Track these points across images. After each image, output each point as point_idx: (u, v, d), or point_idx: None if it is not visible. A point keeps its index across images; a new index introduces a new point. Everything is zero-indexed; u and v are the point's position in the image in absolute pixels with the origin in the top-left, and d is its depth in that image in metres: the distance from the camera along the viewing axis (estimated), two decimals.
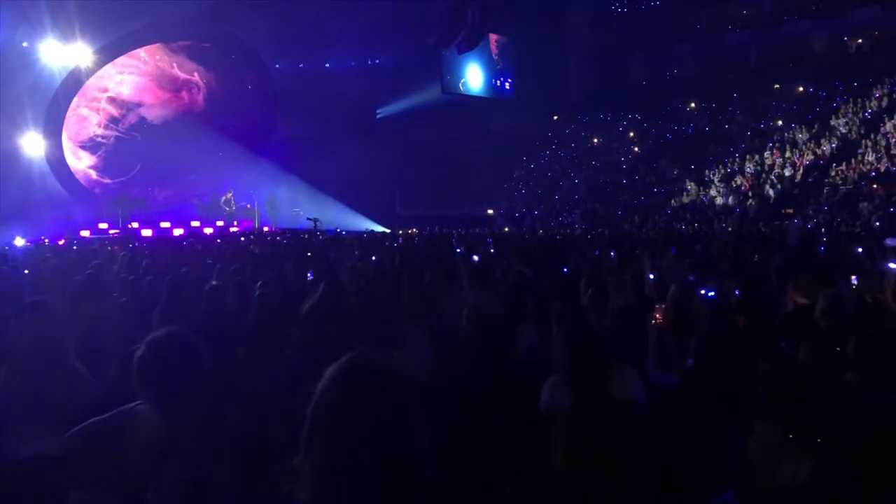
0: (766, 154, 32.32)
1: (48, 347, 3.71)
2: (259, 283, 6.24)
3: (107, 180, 34.70)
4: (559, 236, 21.99)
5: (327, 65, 39.70)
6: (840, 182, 27.40)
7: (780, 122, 35.11)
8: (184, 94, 36.14)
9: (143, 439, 2.71)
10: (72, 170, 33.26)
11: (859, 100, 32.83)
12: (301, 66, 39.03)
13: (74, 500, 3.28)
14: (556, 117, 47.02)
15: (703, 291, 5.77)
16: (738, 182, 31.48)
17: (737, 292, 6.16)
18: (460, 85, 41.64)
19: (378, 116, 38.68)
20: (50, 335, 3.73)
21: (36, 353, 3.67)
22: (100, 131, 34.42)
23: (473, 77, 41.54)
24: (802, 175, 29.63)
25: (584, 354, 3.38)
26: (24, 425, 3.54)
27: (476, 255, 11.64)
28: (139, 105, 35.13)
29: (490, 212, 39.11)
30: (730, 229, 24.42)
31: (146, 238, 28.23)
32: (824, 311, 4.44)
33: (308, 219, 27.95)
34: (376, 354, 1.87)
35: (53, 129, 31.69)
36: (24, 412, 3.56)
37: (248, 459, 3.02)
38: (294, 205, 35.41)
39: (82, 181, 33.82)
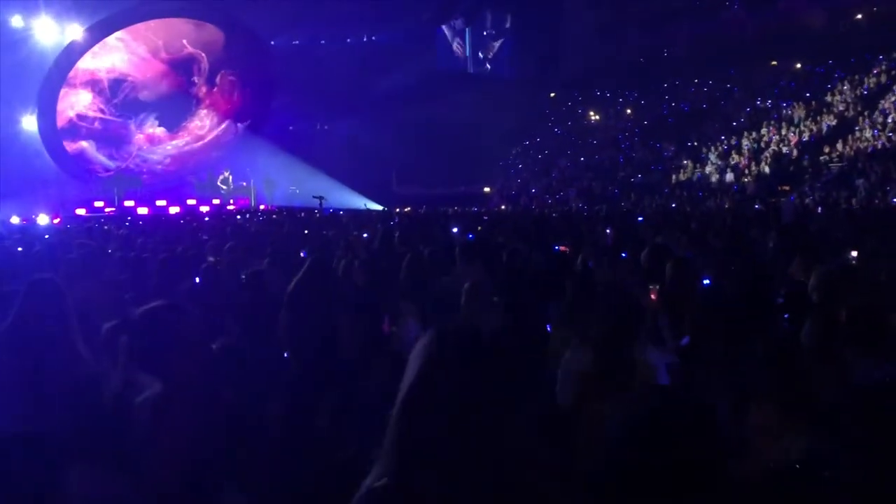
0: (763, 131, 32.24)
1: (50, 325, 3.69)
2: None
3: (102, 158, 34.53)
4: (555, 213, 21.96)
5: (322, 42, 39.40)
6: (836, 159, 27.35)
7: (777, 100, 34.99)
8: (179, 71, 35.86)
9: (141, 412, 2.70)
10: (66, 148, 33.07)
11: (857, 76, 32.69)
12: (296, 42, 38.72)
13: (74, 476, 3.27)
14: (552, 95, 46.78)
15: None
16: (735, 159, 31.42)
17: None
18: (456, 62, 41.43)
19: (373, 93, 38.45)
20: (52, 313, 3.72)
21: (37, 331, 3.66)
22: (94, 109, 34.19)
23: (469, 54, 41.30)
24: (799, 152, 29.57)
25: (615, 313, 3.45)
26: (23, 402, 3.54)
27: (471, 233, 11.62)
28: (134, 82, 34.86)
29: (487, 190, 39.02)
30: (726, 206, 24.41)
31: (142, 216, 28.15)
32: (815, 287, 4.43)
33: (314, 196, 27.79)
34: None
35: (47, 108, 31.46)
36: (22, 389, 3.55)
37: (242, 434, 3.01)
38: (290, 183, 35.30)
39: (77, 160, 33.65)
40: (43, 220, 23.68)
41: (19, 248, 9.80)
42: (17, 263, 7.77)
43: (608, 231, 11.65)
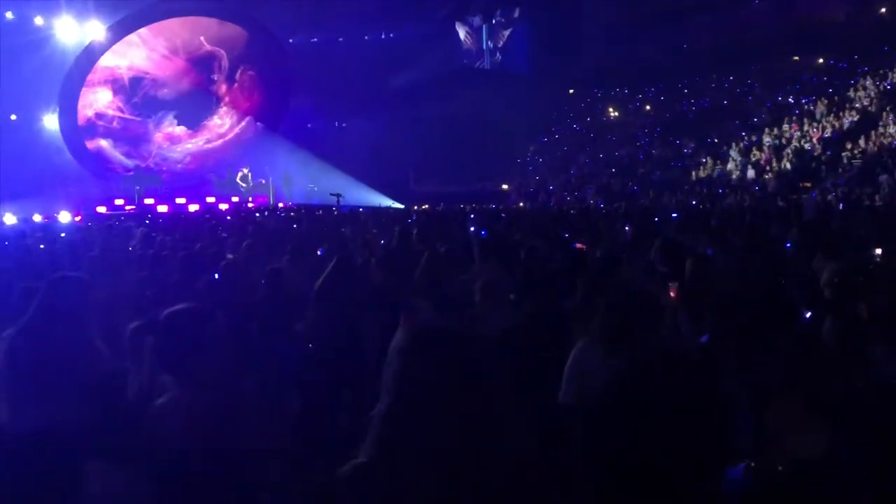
0: (785, 127, 31.93)
1: (69, 322, 3.73)
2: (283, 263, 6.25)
3: (120, 157, 34.84)
4: (573, 210, 21.88)
5: (340, 39, 39.50)
6: (858, 155, 27.04)
7: (798, 95, 34.64)
8: (199, 69, 36.10)
9: (164, 412, 2.71)
10: (87, 146, 33.41)
11: (881, 71, 32.29)
12: (314, 40, 38.86)
13: (92, 472, 3.32)
14: (571, 91, 46.60)
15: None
16: (756, 156, 31.16)
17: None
18: (473, 59, 41.36)
19: (391, 91, 38.51)
20: (73, 311, 3.76)
21: (57, 328, 3.70)
22: (113, 108, 34.50)
23: (487, 51, 41.23)
24: (821, 148, 29.27)
25: (620, 312, 3.45)
26: (41, 397, 3.58)
27: (488, 230, 11.61)
28: (154, 80, 35.15)
29: (505, 187, 38.95)
30: (747, 203, 24.22)
31: (162, 214, 28.38)
32: (828, 283, 4.39)
33: (331, 194, 27.89)
34: (443, 320, 1.91)
35: (68, 106, 31.81)
36: (41, 384, 3.59)
37: (266, 431, 3.03)
38: (308, 181, 35.43)
39: (97, 158, 33.98)
40: (64, 217, 23.94)
41: (41, 246, 9.93)
42: (40, 261, 7.87)
43: (627, 228, 11.60)
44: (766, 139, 31.84)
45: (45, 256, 8.69)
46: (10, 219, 23.49)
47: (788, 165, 29.13)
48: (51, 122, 31.10)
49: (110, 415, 3.33)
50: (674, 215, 12.45)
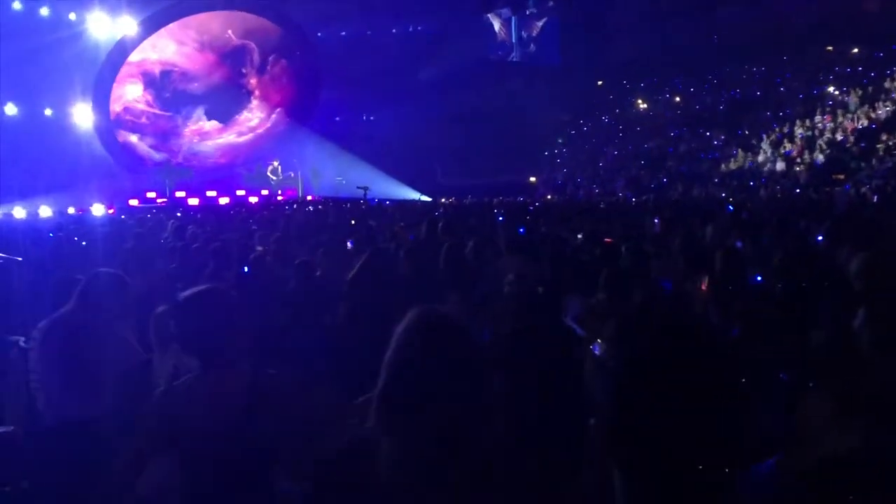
0: (817, 119, 31.42)
1: (105, 316, 3.80)
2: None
3: (150, 152, 35.22)
4: (602, 203, 21.75)
5: (368, 32, 39.56)
6: (893, 147, 26.53)
7: (832, 87, 34.05)
8: (229, 62, 36.36)
9: (186, 390, 2.74)
10: (119, 140, 33.83)
11: None
12: (342, 34, 38.97)
13: (126, 458, 3.37)
14: (599, 83, 46.25)
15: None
16: (788, 148, 30.71)
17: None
18: (502, 51, 41.20)
19: (419, 84, 38.50)
20: (110, 305, 3.82)
21: (93, 321, 3.76)
22: (143, 102, 34.89)
23: (515, 41, 41.05)
24: (855, 140, 28.76)
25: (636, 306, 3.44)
26: (75, 387, 3.65)
27: (517, 223, 11.58)
28: (184, 74, 35.47)
29: (532, 180, 38.80)
30: (778, 196, 23.90)
31: (193, 207, 28.68)
32: (857, 274, 4.30)
33: (358, 187, 27.96)
34: (442, 308, 1.96)
35: (101, 101, 32.23)
36: (74, 374, 3.66)
37: (287, 418, 3.05)
38: (337, 173, 35.59)
39: (130, 151, 34.40)
40: (98, 210, 24.29)
41: (75, 238, 10.08)
42: (75, 253, 8.00)
43: (656, 221, 11.50)
44: (799, 130, 31.36)
45: (80, 249, 8.83)
46: (45, 211, 23.91)
47: (821, 157, 28.68)
48: (83, 116, 31.54)
49: (141, 403, 3.39)
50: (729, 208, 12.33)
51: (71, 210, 24.89)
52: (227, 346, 2.76)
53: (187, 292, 2.86)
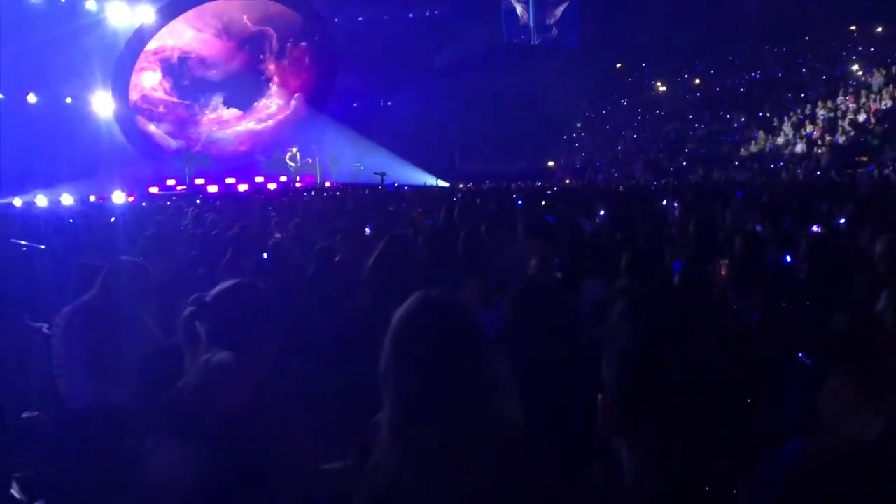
0: (840, 99, 30.98)
1: (127, 303, 3.84)
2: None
3: (169, 140, 35.36)
4: (621, 187, 21.62)
5: (385, 17, 39.45)
6: None
7: (855, 67, 33.53)
8: (247, 49, 36.38)
9: (223, 388, 2.74)
10: (139, 128, 34.01)
11: None
12: (360, 19, 38.90)
13: (150, 446, 3.41)
14: (618, 65, 45.84)
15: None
16: (809, 129, 30.33)
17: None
18: (520, 35, 40.93)
19: (437, 69, 38.36)
20: (132, 292, 3.86)
21: (115, 308, 3.81)
22: (161, 90, 35.01)
23: (533, 25, 40.77)
24: (878, 121, 28.34)
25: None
26: (97, 373, 3.69)
27: (535, 208, 11.55)
28: (202, 61, 35.54)
29: (550, 164, 38.63)
30: (800, 178, 23.64)
31: (212, 194, 28.83)
32: (882, 256, 4.26)
33: (375, 173, 27.96)
34: (443, 292, 1.94)
35: (120, 89, 32.40)
36: (96, 360, 3.70)
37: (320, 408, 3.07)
38: (354, 160, 35.61)
39: (149, 139, 34.57)
40: (118, 197, 24.49)
41: (94, 227, 10.16)
42: (97, 240, 8.07)
43: (675, 205, 11.43)
44: (821, 112, 30.95)
45: (102, 236, 8.91)
46: (67, 199, 24.13)
47: (843, 139, 28.31)
48: (103, 105, 31.74)
49: (164, 390, 3.42)
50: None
51: (92, 198, 25.11)
52: (262, 342, 2.76)
53: (216, 290, 2.85)
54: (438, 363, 1.80)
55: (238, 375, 2.68)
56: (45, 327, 4.12)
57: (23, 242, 7.41)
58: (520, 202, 12.55)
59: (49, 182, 25.50)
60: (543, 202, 13.85)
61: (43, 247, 7.36)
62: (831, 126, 29.61)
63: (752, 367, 3.87)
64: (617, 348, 1.41)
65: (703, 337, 1.41)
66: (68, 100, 30.74)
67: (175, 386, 2.76)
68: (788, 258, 5.55)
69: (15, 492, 3.07)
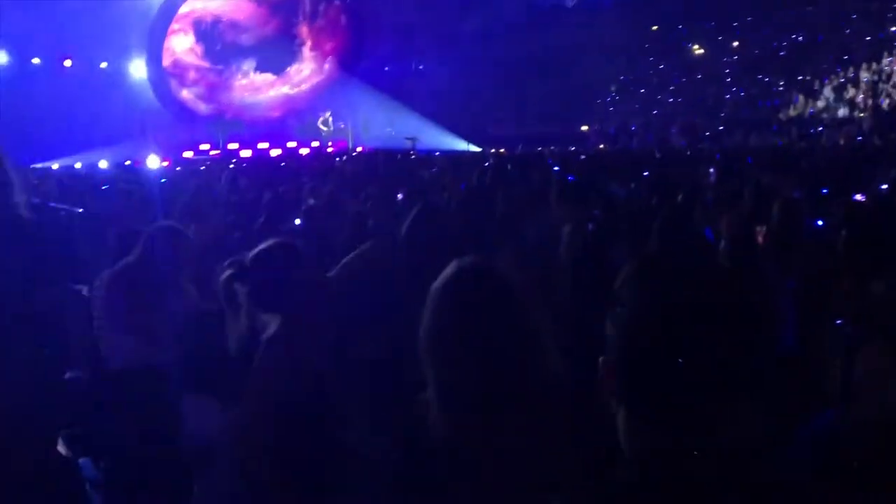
0: (884, 62, 30.11)
1: (165, 268, 3.91)
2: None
3: (203, 103, 35.47)
4: (657, 153, 21.34)
5: None
6: None
7: None
8: (281, 13, 36.24)
9: (268, 346, 2.75)
10: (172, 93, 34.19)
11: None
12: None
13: (188, 407, 3.50)
14: (655, 28, 44.92)
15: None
16: (852, 93, 29.57)
17: None
18: None
19: (470, 31, 37.92)
20: (170, 258, 3.94)
21: (154, 272, 3.89)
22: (192, 55, 35.07)
23: None
24: None
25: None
26: (138, 335, 3.79)
27: (569, 173, 11.46)
28: (235, 25, 35.51)
29: (584, 128, 38.22)
30: (841, 142, 23.14)
31: (245, 158, 28.99)
32: None
33: (406, 138, 27.86)
34: (481, 258, 1.91)
35: (154, 54, 32.57)
36: (137, 323, 3.79)
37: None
38: (386, 124, 35.52)
39: (183, 104, 34.75)
40: (153, 162, 24.71)
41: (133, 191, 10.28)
42: (134, 204, 8.18)
43: (711, 171, 11.27)
44: (864, 75, 30.13)
45: (138, 200, 9.03)
46: (103, 164, 24.46)
47: (886, 103, 27.58)
48: (138, 69, 31.97)
49: (202, 353, 3.49)
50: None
51: (127, 163, 25.41)
52: (306, 299, 2.76)
53: (254, 251, 2.84)
54: (483, 332, 1.77)
55: (292, 350, 2.68)
56: (84, 289, 4.21)
57: (60, 206, 7.53)
58: (555, 167, 12.44)
59: (86, 146, 25.83)
60: (577, 167, 13.74)
61: (81, 210, 7.47)
62: (874, 90, 28.83)
63: (778, 337, 3.84)
64: (621, 311, 1.35)
65: (723, 308, 1.31)
66: (103, 65, 30.98)
67: (218, 349, 2.80)
68: (820, 222, 5.47)
69: (61, 448, 3.17)
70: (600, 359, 1.35)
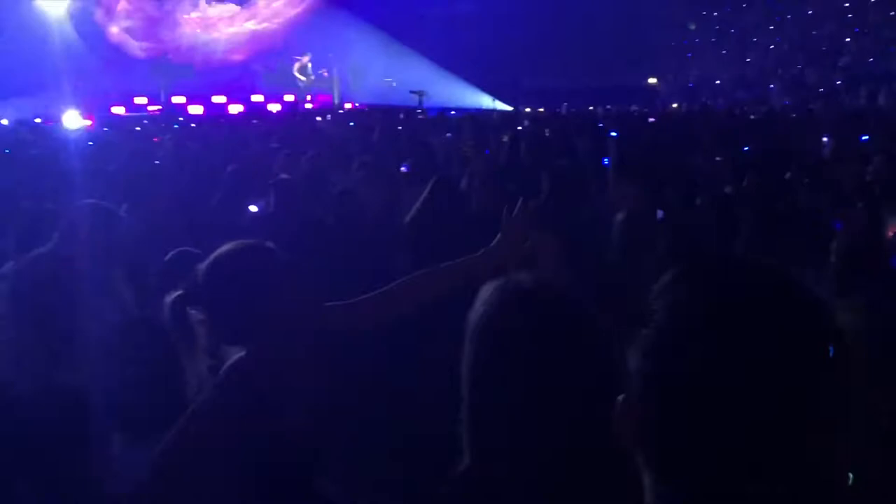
0: None
1: (90, 262, 3.93)
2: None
3: (138, 41, 35.38)
4: (752, 115, 21.30)
5: None
6: None
7: None
8: None
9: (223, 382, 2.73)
10: (100, 30, 34.20)
11: None
12: None
13: (121, 448, 3.52)
14: None
15: None
16: None
17: None
18: None
19: None
20: (95, 247, 3.95)
21: (75, 268, 3.91)
22: None
23: None
24: None
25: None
26: (51, 350, 3.81)
27: (631, 140, 11.46)
28: None
29: (652, 81, 38.14)
30: None
31: (196, 116, 29.03)
32: None
33: (411, 92, 27.89)
34: (539, 279, 1.87)
35: None
36: (50, 334, 3.81)
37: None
38: (385, 74, 35.51)
39: (111, 42, 34.72)
40: (72, 120, 24.72)
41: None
42: (48, 176, 8.23)
43: (825, 140, 11.25)
44: None
45: (52, 170, 9.08)
46: (3, 121, 24.55)
47: None
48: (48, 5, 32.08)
49: (138, 377, 3.49)
50: None
51: (37, 120, 25.48)
52: (286, 327, 2.69)
53: (210, 260, 2.72)
54: (550, 378, 1.74)
55: (249, 395, 2.65)
56: None
57: None
58: (611, 133, 12.44)
59: None
60: (642, 133, 13.73)
61: None
62: None
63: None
64: (651, 333, 1.19)
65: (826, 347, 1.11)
66: None
67: (163, 376, 2.80)
68: None
69: None
70: (619, 398, 1.23)
